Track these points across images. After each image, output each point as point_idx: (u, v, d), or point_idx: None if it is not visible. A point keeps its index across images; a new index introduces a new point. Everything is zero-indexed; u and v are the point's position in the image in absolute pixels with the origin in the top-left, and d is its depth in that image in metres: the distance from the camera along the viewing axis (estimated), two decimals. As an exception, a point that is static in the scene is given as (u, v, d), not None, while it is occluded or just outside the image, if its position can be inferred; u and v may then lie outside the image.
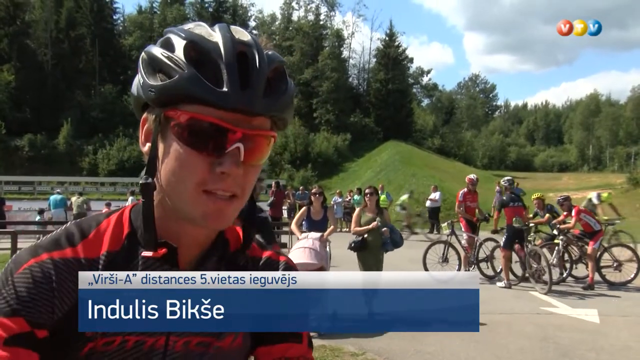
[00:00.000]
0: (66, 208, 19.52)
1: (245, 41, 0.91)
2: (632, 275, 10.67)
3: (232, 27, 0.94)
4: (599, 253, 10.75)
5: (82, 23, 54.90)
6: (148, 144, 0.95)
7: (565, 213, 11.01)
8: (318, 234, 7.42)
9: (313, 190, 8.35)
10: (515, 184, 24.53)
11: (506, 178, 11.76)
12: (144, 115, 0.96)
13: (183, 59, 0.88)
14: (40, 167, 43.28)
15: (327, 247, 7.53)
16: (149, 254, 0.94)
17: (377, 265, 7.84)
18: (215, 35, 0.90)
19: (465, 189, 11.75)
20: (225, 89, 0.86)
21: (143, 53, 0.94)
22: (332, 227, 7.79)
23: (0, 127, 44.22)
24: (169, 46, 0.91)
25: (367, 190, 8.20)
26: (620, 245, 11.25)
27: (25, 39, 51.46)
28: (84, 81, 53.43)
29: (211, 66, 0.87)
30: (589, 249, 10.49)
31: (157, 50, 0.91)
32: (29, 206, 25.50)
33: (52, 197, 20.07)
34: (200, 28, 0.93)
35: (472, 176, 12.10)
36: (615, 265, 10.74)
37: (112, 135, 47.35)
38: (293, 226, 8.03)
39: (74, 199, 20.25)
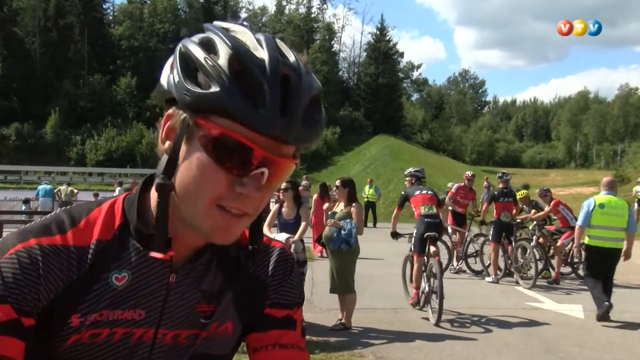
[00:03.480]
0: (53, 199, 19.48)
1: (291, 63, 0.87)
2: None
3: (278, 42, 0.90)
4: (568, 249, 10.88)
5: (71, 12, 54.35)
6: (169, 142, 0.91)
7: (547, 206, 11.11)
8: (285, 236, 6.70)
9: (283, 186, 7.08)
10: (486, 177, 24.83)
11: (502, 172, 11.81)
12: (170, 110, 0.91)
13: (227, 71, 0.83)
14: (27, 156, 42.93)
15: (292, 248, 6.58)
16: (159, 255, 0.91)
17: (331, 264, 7.12)
18: (261, 50, 0.86)
19: (462, 184, 11.99)
20: (264, 112, 0.82)
21: (181, 46, 0.89)
22: (303, 224, 6.98)
23: (-13, 116, 43.78)
24: (211, 49, 0.86)
25: (336, 183, 7.34)
26: None
27: (13, 27, 50.93)
28: (72, 70, 52.96)
29: (253, 85, 0.83)
30: (559, 242, 10.59)
31: (199, 52, 0.86)
32: (15, 196, 25.25)
33: (40, 187, 20.04)
34: (246, 36, 0.88)
35: (468, 173, 12.39)
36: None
37: (101, 126, 47.03)
38: (265, 229, 6.79)
39: (61, 188, 20.19)
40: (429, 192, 8.20)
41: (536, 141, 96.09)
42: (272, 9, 68.08)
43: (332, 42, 63.08)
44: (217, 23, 0.91)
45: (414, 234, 7.93)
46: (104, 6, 61.11)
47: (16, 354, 0.85)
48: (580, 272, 10.83)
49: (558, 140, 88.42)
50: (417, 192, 8.18)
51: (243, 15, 67.77)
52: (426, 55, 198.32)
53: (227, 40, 0.85)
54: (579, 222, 8.12)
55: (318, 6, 64.66)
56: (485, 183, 25.81)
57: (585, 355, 6.23)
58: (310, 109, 0.89)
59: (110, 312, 0.92)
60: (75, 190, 21.35)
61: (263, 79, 0.83)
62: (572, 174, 50.30)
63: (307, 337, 6.29)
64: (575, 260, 11.00)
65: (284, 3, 65.18)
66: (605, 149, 71.36)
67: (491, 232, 10.75)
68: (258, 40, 0.88)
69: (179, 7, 61.08)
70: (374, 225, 21.80)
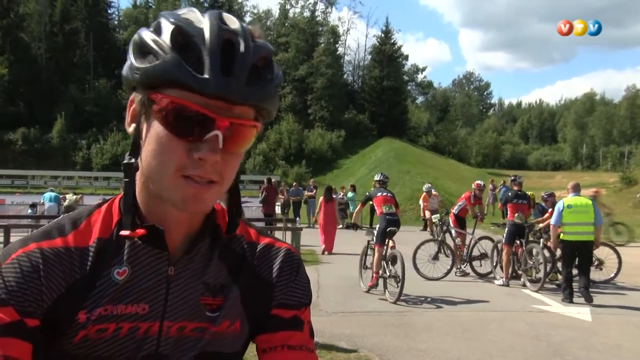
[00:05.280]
0: (59, 204, 19.58)
1: (233, 29, 0.91)
2: (613, 274, 10.72)
3: (224, 15, 0.94)
4: None
5: (76, 17, 54.62)
6: (133, 125, 0.95)
7: (550, 210, 11.08)
8: None
9: None
10: (502, 182, 24.83)
11: (515, 175, 11.85)
12: (132, 96, 0.96)
13: (168, 43, 0.88)
14: (34, 161, 43.12)
15: None
16: (125, 232, 0.95)
17: None
18: (203, 21, 0.90)
19: (472, 194, 12.08)
20: (206, 75, 0.85)
21: (135, 35, 0.95)
22: None
23: (-6, 121, 43.99)
24: (158, 30, 0.91)
25: None
26: (601, 244, 11.19)
27: (19, 32, 51.19)
28: (78, 75, 53.20)
29: (195, 52, 0.87)
30: None
31: (146, 34, 0.92)
32: (22, 200, 25.33)
33: (46, 194, 20.09)
34: (191, 14, 0.93)
35: (480, 183, 12.51)
36: (596, 263, 10.72)
37: (106, 130, 47.21)
38: None
39: (67, 196, 20.32)
40: (389, 194, 9.73)
41: (542, 143, 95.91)
42: (276, 12, 68.15)
43: (337, 46, 63.07)
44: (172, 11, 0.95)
45: (377, 228, 9.37)
46: (109, 11, 61.50)
47: (21, 354, 0.88)
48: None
49: (564, 142, 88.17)
50: (379, 194, 9.72)
51: (248, 19, 67.87)
52: (431, 58, 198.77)
53: (170, 19, 0.90)
54: (552, 222, 9.60)
55: (322, 10, 64.77)
56: (491, 185, 25.80)
57: (592, 358, 6.19)
58: (258, 70, 0.91)
59: (114, 307, 0.95)
60: (79, 196, 21.45)
61: (203, 46, 0.87)
62: (578, 176, 49.96)
63: (314, 339, 6.30)
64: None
65: (288, 7, 65.27)
66: (612, 150, 71.05)
67: (504, 235, 10.72)
68: (203, 15, 0.92)
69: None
70: (380, 228, 21.77)
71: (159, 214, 0.97)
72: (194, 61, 0.86)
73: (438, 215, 14.07)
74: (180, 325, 0.99)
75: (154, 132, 0.90)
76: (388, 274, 8.88)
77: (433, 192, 18.29)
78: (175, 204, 0.92)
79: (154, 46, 0.89)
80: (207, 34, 0.88)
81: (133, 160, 0.94)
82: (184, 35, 0.88)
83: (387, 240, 9.17)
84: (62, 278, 0.93)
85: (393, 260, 8.88)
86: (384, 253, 9.12)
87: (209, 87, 0.85)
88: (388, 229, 9.15)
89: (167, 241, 0.98)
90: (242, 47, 0.90)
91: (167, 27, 0.90)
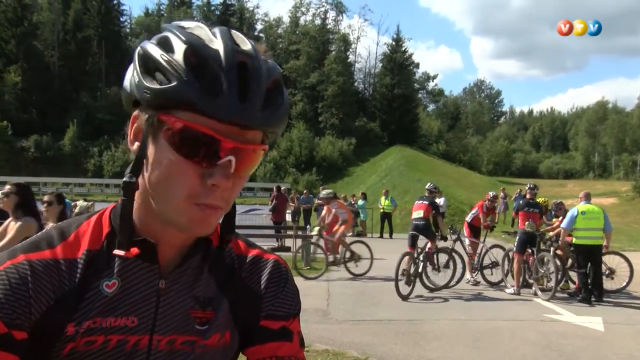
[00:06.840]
0: (71, 211, 19.70)
1: (246, 51, 0.89)
2: (624, 284, 10.61)
3: (233, 33, 0.92)
4: None
5: (89, 25, 55.24)
6: (137, 143, 0.93)
7: (560, 218, 11.01)
8: None
9: (46, 198, 6.25)
10: (518, 191, 24.71)
11: (533, 184, 11.73)
12: (136, 112, 0.93)
13: (183, 64, 0.85)
14: (46, 168, 43.45)
15: None
16: (120, 252, 0.93)
17: None
18: (215, 41, 0.88)
19: (486, 203, 12.10)
20: (223, 100, 0.83)
21: (139, 48, 0.91)
22: None
23: (7, 128, 44.45)
24: (167, 47, 0.88)
25: (45, 198, 6.35)
26: (612, 253, 11.05)
27: (33, 41, 51.80)
28: (90, 83, 53.66)
29: (210, 75, 0.84)
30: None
31: (155, 50, 0.89)
32: (34, 207, 25.54)
33: None
34: (201, 30, 0.90)
35: (490, 194, 12.60)
36: (607, 272, 10.63)
37: (118, 137, 47.45)
38: None
39: (78, 203, 20.47)
40: (424, 202, 10.76)
41: (553, 151, 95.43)
42: (287, 20, 68.40)
43: (348, 53, 63.23)
44: (174, 22, 0.92)
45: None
46: (121, 19, 62.02)
47: None
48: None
49: (576, 150, 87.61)
50: (416, 202, 11.06)
51: (259, 27, 68.22)
52: (442, 65, 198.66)
53: (181, 36, 0.87)
54: (563, 225, 10.14)
55: (333, 17, 65.01)
56: (502, 194, 25.70)
57: (605, 368, 6.14)
58: (270, 94, 0.90)
59: (103, 320, 0.94)
60: (91, 203, 21.60)
61: (219, 68, 0.84)
62: (590, 185, 49.63)
63: (324, 347, 6.29)
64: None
65: (299, 15, 65.51)
66: (624, 159, 70.48)
67: (515, 243, 10.68)
68: (213, 33, 0.89)
69: (195, 19, 61.54)
70: (390, 236, 21.71)
71: (154, 229, 0.96)
72: (209, 84, 0.84)
73: (318, 227, 12.92)
74: (170, 338, 0.98)
75: (163, 155, 0.88)
76: (412, 271, 9.99)
77: (339, 200, 15.28)
78: (180, 227, 0.91)
79: (166, 65, 0.85)
80: (222, 57, 0.85)
81: (134, 179, 0.93)
82: (197, 56, 0.85)
83: (415, 242, 10.44)
84: (51, 290, 0.92)
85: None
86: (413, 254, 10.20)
87: (225, 112, 0.83)
88: (410, 233, 10.49)
89: (159, 255, 0.97)
90: (256, 71, 0.88)
91: (178, 45, 0.87)
